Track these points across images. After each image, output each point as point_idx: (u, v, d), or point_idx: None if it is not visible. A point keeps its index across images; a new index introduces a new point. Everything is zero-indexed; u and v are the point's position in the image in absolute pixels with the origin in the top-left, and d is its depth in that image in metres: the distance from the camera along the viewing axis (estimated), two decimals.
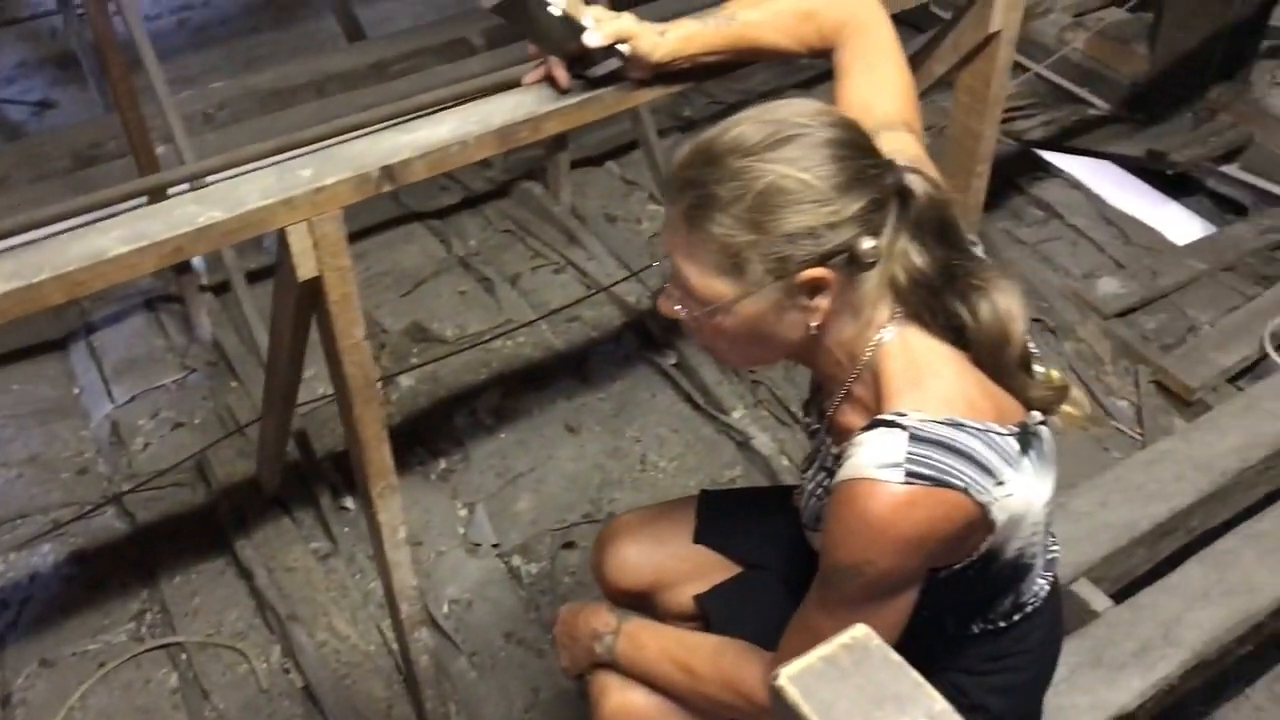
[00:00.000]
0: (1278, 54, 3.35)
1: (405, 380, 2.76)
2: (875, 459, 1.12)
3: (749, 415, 2.64)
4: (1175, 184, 3.31)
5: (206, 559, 2.40)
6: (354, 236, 3.17)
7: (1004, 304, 1.21)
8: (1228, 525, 2.08)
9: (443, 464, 2.59)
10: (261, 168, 1.38)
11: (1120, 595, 1.97)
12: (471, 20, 3.52)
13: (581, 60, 1.45)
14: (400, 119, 1.46)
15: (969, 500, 1.14)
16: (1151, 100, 3.34)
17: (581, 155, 3.47)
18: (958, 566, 1.23)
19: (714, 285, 1.16)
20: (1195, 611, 1.91)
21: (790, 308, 1.17)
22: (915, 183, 1.18)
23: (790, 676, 0.67)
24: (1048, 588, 1.40)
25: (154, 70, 2.42)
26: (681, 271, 1.18)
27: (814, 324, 1.19)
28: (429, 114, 1.44)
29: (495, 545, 2.42)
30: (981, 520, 1.17)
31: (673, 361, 2.80)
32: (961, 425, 1.15)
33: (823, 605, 1.22)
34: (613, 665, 1.49)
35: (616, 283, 2.97)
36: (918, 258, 1.18)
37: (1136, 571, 2.09)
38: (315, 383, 2.61)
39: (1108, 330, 2.85)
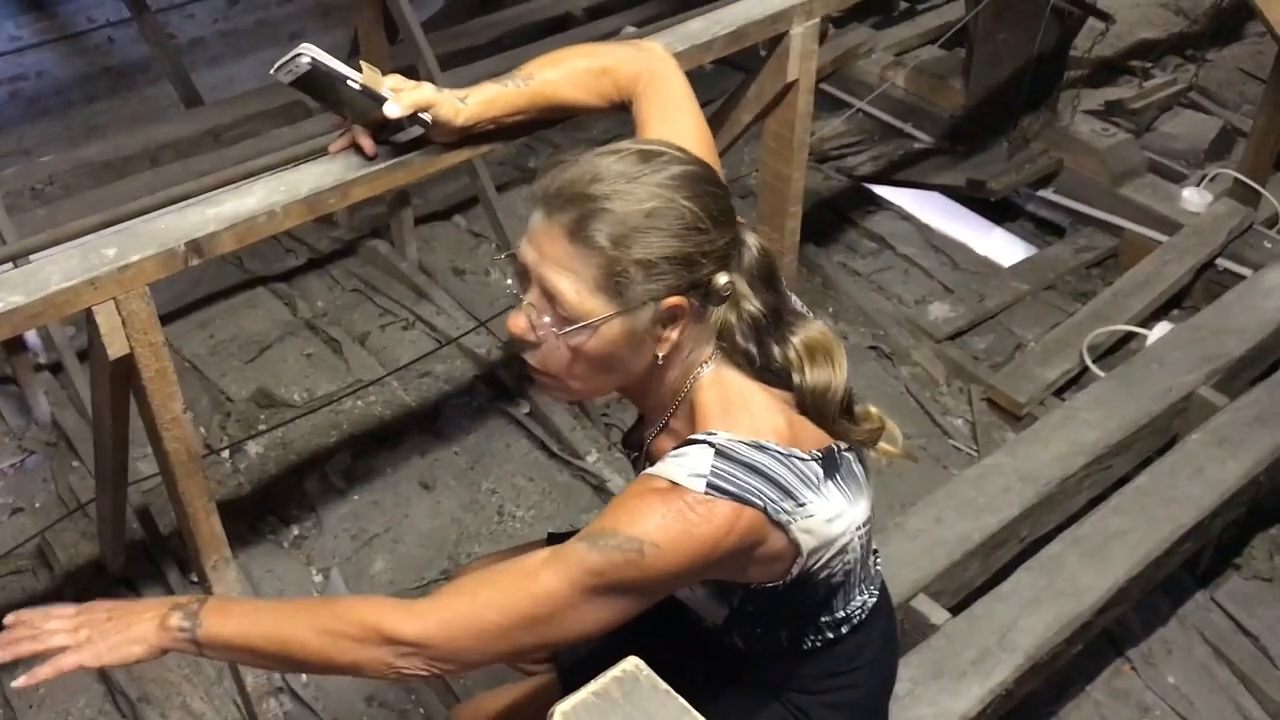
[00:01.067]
0: (1078, 84, 3.56)
1: (253, 448, 2.73)
2: (683, 468, 1.16)
3: (603, 459, 2.68)
4: (997, 209, 3.48)
5: None
6: (198, 304, 3.16)
7: (822, 353, 1.28)
8: (1058, 531, 2.18)
9: (295, 530, 2.56)
10: (82, 244, 1.37)
11: (960, 607, 2.05)
12: None
13: (386, 127, 1.47)
14: (208, 192, 1.46)
15: (764, 519, 1.17)
16: (969, 132, 3.51)
17: (427, 210, 3.50)
18: (768, 584, 1.27)
19: (589, 301, 1.17)
20: (1027, 617, 2.00)
21: (646, 335, 1.20)
22: (747, 229, 1.26)
23: (564, 713, 0.70)
24: (872, 602, 1.46)
25: None
26: (553, 285, 1.18)
27: (661, 354, 1.22)
28: (236, 186, 1.44)
29: None
30: (784, 539, 1.20)
31: (526, 410, 2.83)
32: (765, 448, 1.20)
33: (565, 559, 1.16)
34: (192, 650, 1.23)
35: (465, 334, 2.99)
36: (751, 301, 1.24)
37: (974, 583, 2.18)
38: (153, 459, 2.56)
39: (940, 352, 2.98)
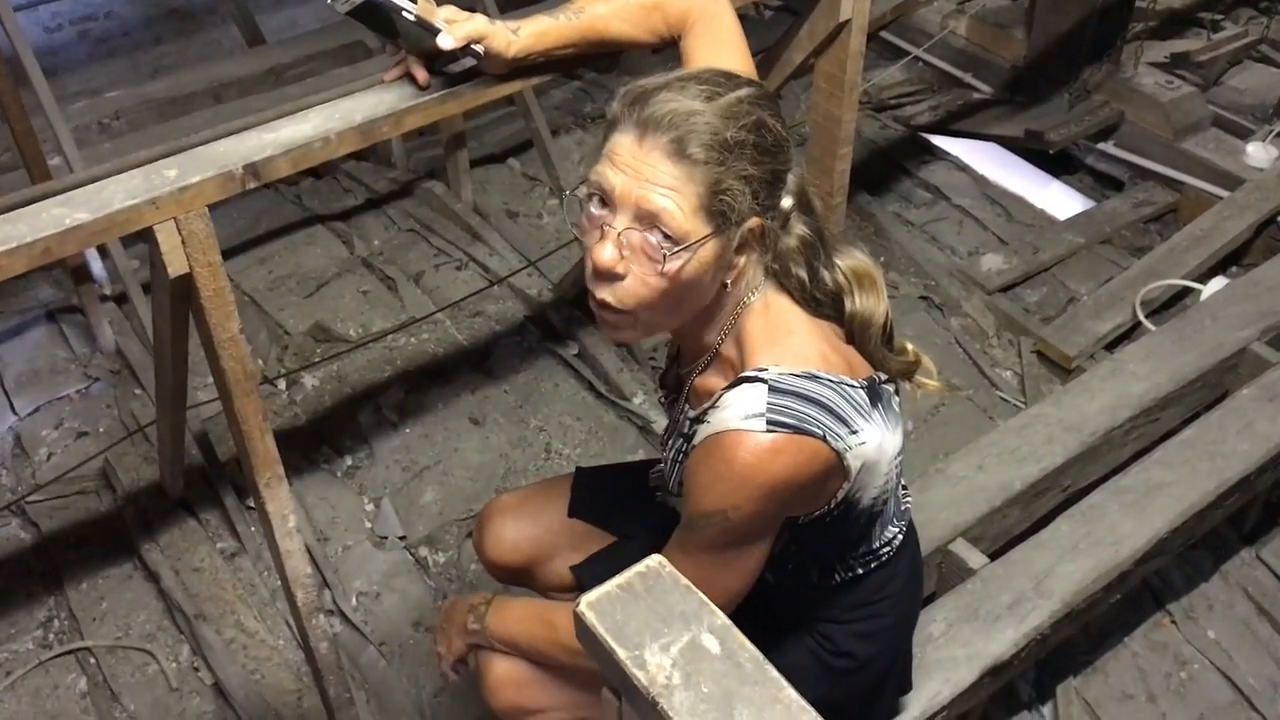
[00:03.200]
0: (1144, 35, 3.49)
1: (309, 380, 2.79)
2: (739, 411, 1.19)
3: (649, 400, 2.71)
4: (1056, 162, 3.44)
5: (113, 564, 2.41)
6: (259, 240, 3.23)
7: (869, 279, 1.32)
8: (1102, 482, 2.18)
9: (348, 461, 2.63)
10: (144, 168, 1.41)
11: (999, 554, 2.06)
12: None
13: (439, 58, 1.50)
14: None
15: (826, 447, 1.20)
16: (1030, 83, 3.46)
17: (483, 153, 3.53)
18: (817, 514, 1.31)
19: (691, 221, 1.17)
20: (1064, 564, 2.01)
21: (728, 259, 1.22)
22: None
23: (589, 603, 0.74)
24: (901, 536, 1.49)
25: (39, 84, 2.43)
26: (656, 206, 1.16)
27: (729, 281, 1.24)
28: (293, 115, 1.48)
29: (402, 537, 2.46)
30: (838, 467, 1.24)
31: (574, 352, 2.86)
32: (817, 378, 1.22)
33: (683, 549, 1.27)
34: (486, 643, 1.55)
35: (515, 272, 3.03)
36: (803, 225, 1.27)
37: (1014, 531, 2.19)
38: (212, 388, 2.63)
39: (992, 304, 2.96)
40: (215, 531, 2.46)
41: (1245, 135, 3.32)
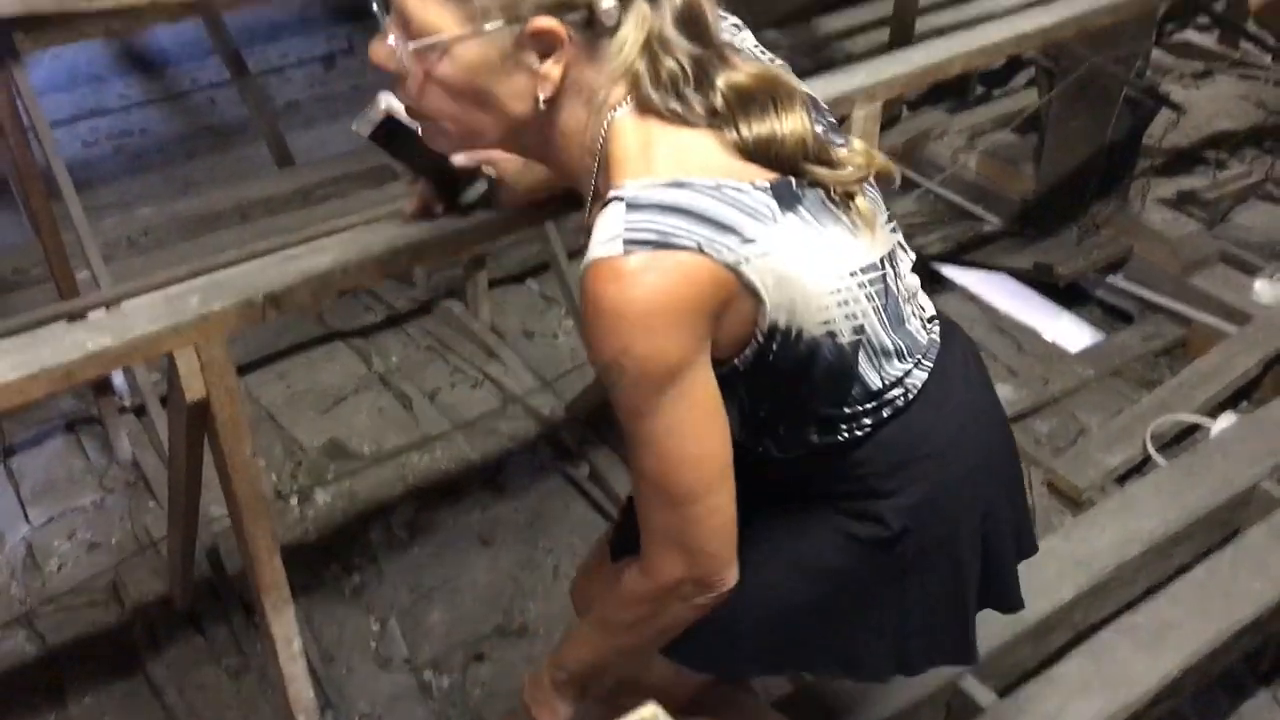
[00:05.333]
0: (1151, 172, 3.56)
1: (321, 496, 2.81)
2: (596, 240, 1.07)
3: None
4: (1066, 294, 3.48)
5: (118, 679, 2.40)
6: (279, 355, 3.28)
7: (760, 97, 1.12)
8: (1113, 619, 2.16)
9: (356, 579, 2.63)
10: (168, 293, 1.46)
11: (1009, 691, 2.04)
12: None
13: (454, 185, 1.55)
14: (290, 247, 1.55)
15: (707, 260, 1.05)
16: (1039, 216, 3.52)
17: (502, 274, 3.59)
18: (750, 353, 1.15)
19: (433, 13, 1.07)
20: (1076, 703, 1.98)
21: (517, 67, 1.10)
22: None
23: None
24: (922, 376, 1.27)
25: (71, 198, 2.51)
26: (404, 5, 1.09)
27: (543, 96, 1.11)
28: (314, 244, 1.53)
29: (407, 660, 2.45)
30: (735, 284, 1.08)
31: (586, 473, 2.88)
32: (685, 184, 1.07)
33: (628, 431, 1.14)
34: (579, 685, 1.44)
35: (530, 392, 3.06)
36: (670, 53, 1.11)
37: (1024, 666, 2.17)
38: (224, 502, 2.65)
39: None
40: (221, 648, 2.45)
41: (1253, 272, 3.35)
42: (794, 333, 1.13)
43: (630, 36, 1.09)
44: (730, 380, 1.17)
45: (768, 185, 1.11)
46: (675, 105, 1.11)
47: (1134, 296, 3.40)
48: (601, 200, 1.12)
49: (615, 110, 1.12)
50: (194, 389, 1.45)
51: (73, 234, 2.65)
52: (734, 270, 1.07)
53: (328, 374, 3.23)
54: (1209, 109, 4.22)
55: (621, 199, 1.07)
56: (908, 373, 1.26)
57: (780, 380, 1.18)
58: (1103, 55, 3.11)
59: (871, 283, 1.18)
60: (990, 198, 3.73)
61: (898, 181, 1.26)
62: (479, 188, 1.56)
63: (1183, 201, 3.61)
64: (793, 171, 1.13)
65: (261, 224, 3.26)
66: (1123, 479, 2.83)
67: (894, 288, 1.23)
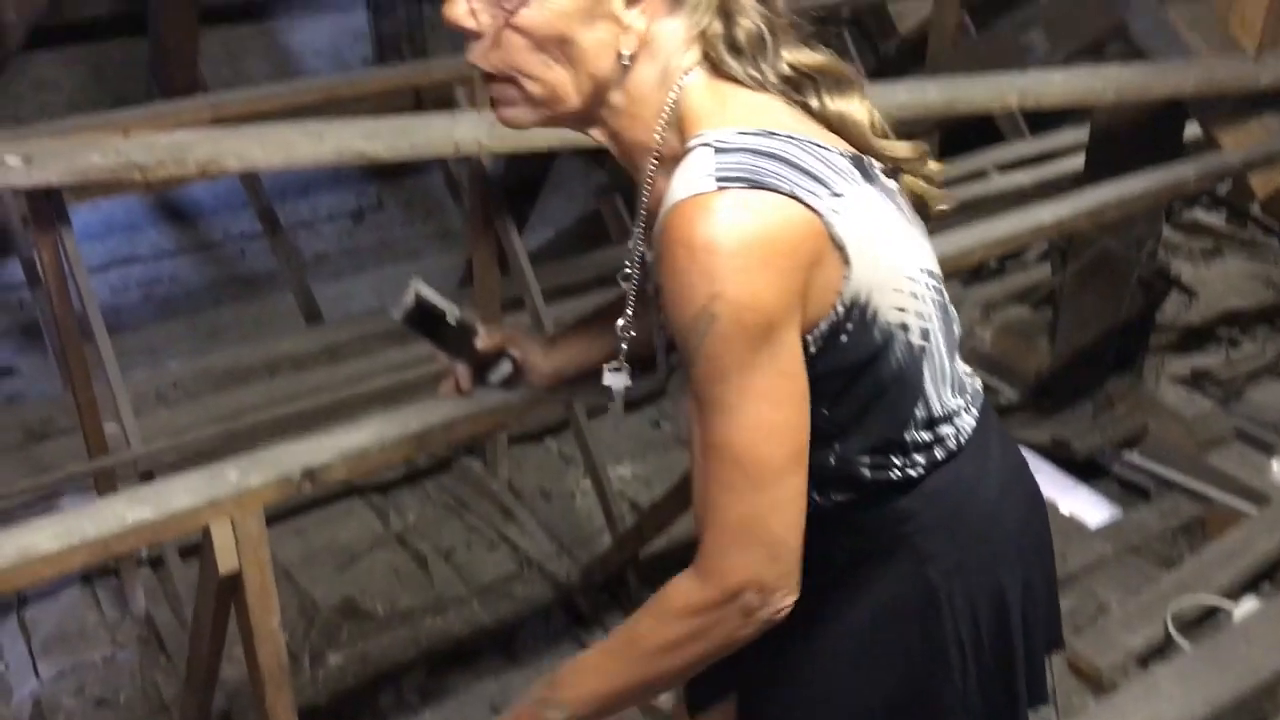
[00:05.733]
0: (1166, 349, 3.61)
1: (333, 658, 2.79)
2: (681, 183, 1.02)
3: (675, 694, 2.67)
4: (1083, 468, 3.49)
5: None
6: (295, 511, 3.28)
7: (833, 77, 1.13)
8: None
9: None
10: (208, 468, 1.49)
11: None
12: None
13: (485, 370, 1.60)
14: (320, 409, 1.58)
15: (799, 204, 1.01)
16: (1054, 391, 3.56)
17: (521, 432, 3.62)
18: (826, 327, 1.09)
19: None
20: None
21: (603, 15, 1.06)
22: None
23: None
24: (973, 422, 1.23)
25: (107, 353, 2.56)
26: None
27: (626, 51, 1.08)
28: (352, 423, 1.57)
29: None
30: (824, 235, 1.03)
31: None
32: (775, 134, 1.05)
33: (708, 398, 1.05)
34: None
35: (546, 557, 3.05)
36: (747, 14, 1.09)
37: None
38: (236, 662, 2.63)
39: None
40: None
41: (1269, 451, 3.37)
42: (870, 312, 1.09)
43: (718, 5, 1.08)
44: (832, 351, 1.12)
45: (849, 155, 1.10)
46: (750, 69, 1.09)
47: (1151, 473, 3.41)
48: (669, 163, 1.09)
49: (687, 75, 1.09)
50: (227, 561, 1.46)
51: (103, 384, 2.68)
52: (825, 221, 1.03)
53: (345, 530, 3.23)
54: (1220, 287, 4.30)
55: (708, 144, 1.04)
56: (960, 411, 1.22)
57: (848, 374, 1.12)
58: (1114, 236, 3.19)
59: (937, 290, 1.16)
60: (1005, 371, 3.78)
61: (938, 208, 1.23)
62: (504, 369, 1.61)
63: (1197, 379, 3.65)
64: (863, 151, 1.13)
65: (289, 380, 3.31)
66: (1144, 660, 2.79)
67: (951, 312, 1.21)
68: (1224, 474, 3.26)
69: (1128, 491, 3.50)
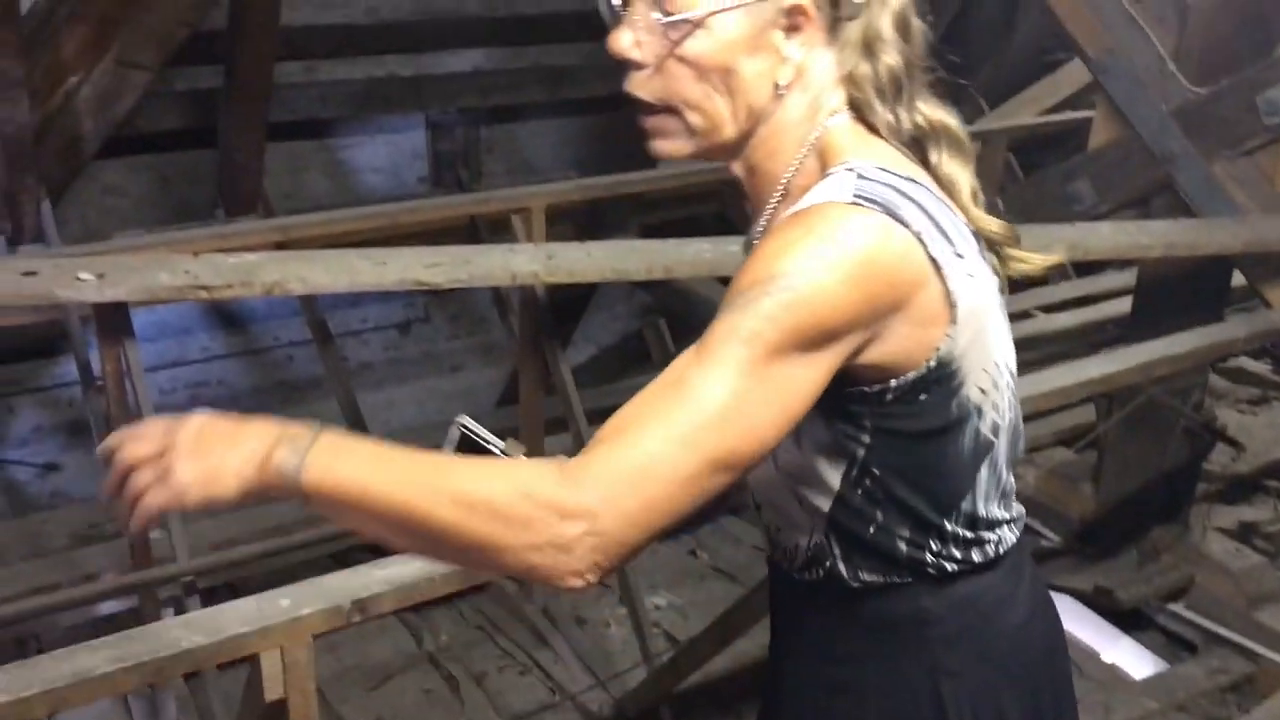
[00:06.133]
0: (1213, 499, 3.57)
1: None
2: (818, 193, 1.04)
3: None
4: (1127, 617, 3.43)
5: None
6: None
7: (951, 139, 1.14)
8: None
9: None
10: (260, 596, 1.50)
11: None
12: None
13: None
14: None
15: (921, 249, 1.02)
16: (1098, 537, 3.52)
17: None
18: (912, 377, 1.05)
19: None
20: None
21: (766, 46, 1.07)
22: None
23: None
24: (1013, 539, 1.20)
25: None
26: None
27: (783, 82, 1.09)
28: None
29: None
30: (937, 286, 1.03)
31: None
32: (916, 181, 1.07)
33: (709, 348, 0.97)
34: (298, 492, 0.98)
35: (581, 691, 3.02)
36: (889, 52, 1.10)
37: None
38: None
39: None
40: None
41: None
42: (957, 382, 1.07)
43: (867, 22, 1.09)
44: (869, 408, 1.07)
45: (971, 229, 1.11)
46: (889, 116, 1.11)
47: (1198, 627, 3.34)
48: (796, 195, 1.09)
49: (834, 116, 1.11)
50: (273, 690, 1.47)
51: None
52: (944, 273, 1.03)
53: (378, 649, 3.22)
54: (1266, 436, 4.25)
55: (852, 169, 1.05)
56: (1004, 524, 1.18)
57: (913, 438, 1.08)
58: (1160, 386, 3.19)
59: (1014, 394, 1.15)
60: (1049, 514, 3.74)
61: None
62: None
63: (1245, 532, 3.59)
64: (965, 210, 1.14)
65: None
66: None
67: (1019, 424, 1.19)
68: (1274, 631, 3.19)
69: (1173, 645, 3.43)
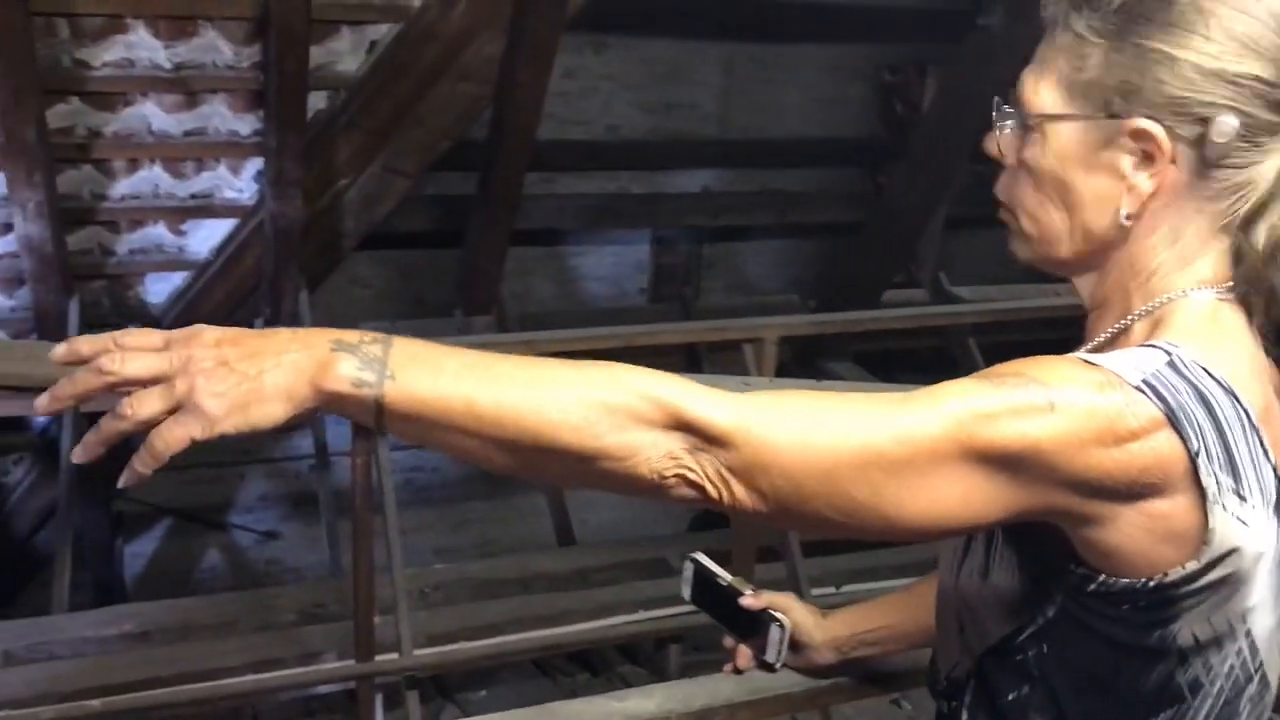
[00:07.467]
0: None
1: None
2: (1118, 360, 0.91)
3: None
4: None
5: None
6: None
7: None
8: None
9: None
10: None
11: None
12: (673, 543, 3.82)
13: (749, 633, 1.59)
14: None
15: (1190, 466, 0.87)
16: None
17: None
18: (1124, 584, 0.92)
19: (1045, 93, 1.01)
20: None
21: (1106, 167, 0.99)
22: None
23: None
24: None
25: (397, 561, 2.72)
26: (1021, 83, 1.04)
27: (1126, 211, 0.98)
28: (640, 689, 1.61)
29: None
30: (1193, 514, 0.89)
31: None
32: (1236, 400, 0.91)
33: (933, 393, 0.89)
34: (374, 410, 0.84)
35: None
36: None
37: None
38: None
39: None
40: None
41: None
42: (1169, 614, 0.93)
43: (1251, 178, 0.95)
44: (1067, 584, 0.96)
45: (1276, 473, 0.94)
46: (1257, 298, 0.98)
47: None
48: (1112, 345, 1.00)
49: (1196, 290, 0.98)
50: None
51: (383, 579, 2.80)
52: (1205, 499, 0.89)
53: None
54: None
55: (1168, 352, 0.92)
56: None
57: (1096, 637, 0.96)
58: None
59: (1260, 674, 0.99)
60: None
61: None
62: (774, 637, 1.59)
63: None
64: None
65: (542, 598, 3.41)
66: None
67: (1249, 710, 1.01)
68: None
69: None
